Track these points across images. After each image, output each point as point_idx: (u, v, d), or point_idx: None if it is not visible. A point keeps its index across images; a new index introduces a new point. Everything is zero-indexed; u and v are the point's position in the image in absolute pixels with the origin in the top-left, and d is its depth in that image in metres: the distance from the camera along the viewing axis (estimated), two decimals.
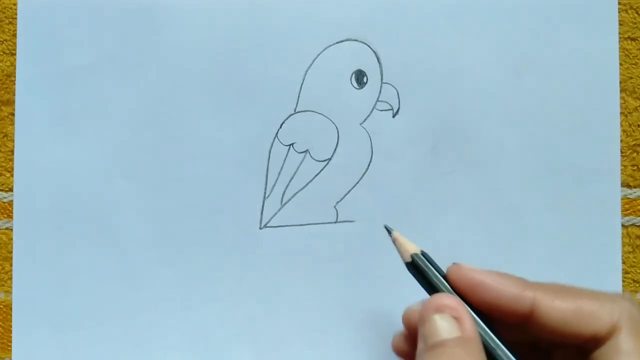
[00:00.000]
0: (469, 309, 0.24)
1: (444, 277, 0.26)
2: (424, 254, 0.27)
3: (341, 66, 0.33)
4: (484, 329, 0.24)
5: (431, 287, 0.26)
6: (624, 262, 0.33)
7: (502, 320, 0.25)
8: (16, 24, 0.33)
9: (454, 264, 0.25)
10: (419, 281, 0.26)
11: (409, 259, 0.26)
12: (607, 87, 0.33)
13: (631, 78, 0.33)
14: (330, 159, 0.33)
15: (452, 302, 0.24)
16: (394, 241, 0.27)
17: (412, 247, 0.27)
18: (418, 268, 0.26)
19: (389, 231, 0.28)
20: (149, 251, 0.33)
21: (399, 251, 0.27)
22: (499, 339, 0.24)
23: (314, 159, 0.33)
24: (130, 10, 0.33)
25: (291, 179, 0.33)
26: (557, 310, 0.24)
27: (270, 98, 0.33)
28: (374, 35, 0.33)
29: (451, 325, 0.23)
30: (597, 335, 0.23)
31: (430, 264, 0.26)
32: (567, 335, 0.24)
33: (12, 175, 0.33)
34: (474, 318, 0.24)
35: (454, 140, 0.33)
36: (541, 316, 0.24)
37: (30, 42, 0.33)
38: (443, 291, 0.25)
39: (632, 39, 0.33)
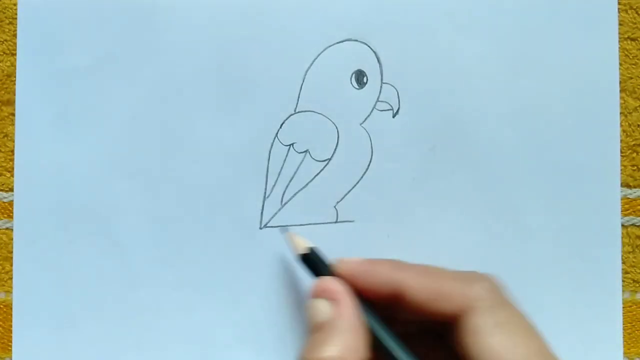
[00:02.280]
0: (349, 291, 0.26)
1: (330, 269, 0.28)
2: (314, 249, 0.29)
3: (341, 66, 0.33)
4: (367, 314, 0.26)
5: (318, 273, 0.28)
6: (624, 262, 0.33)
7: (383, 303, 0.26)
8: (16, 24, 0.33)
9: (339, 259, 0.28)
10: (311, 274, 0.28)
11: (302, 252, 0.29)
12: (607, 87, 0.33)
13: (631, 78, 0.33)
14: (330, 159, 0.33)
15: (329, 286, 0.26)
16: (288, 238, 0.30)
17: (305, 244, 0.29)
18: (309, 261, 0.28)
19: (283, 232, 0.31)
20: (149, 251, 0.33)
21: (292, 247, 0.29)
22: (378, 321, 0.26)
23: (314, 159, 0.33)
24: (130, 10, 0.33)
25: (291, 179, 0.33)
26: (421, 290, 0.25)
27: (270, 98, 0.33)
28: (374, 35, 0.33)
29: (327, 307, 0.25)
30: (454, 313, 0.25)
31: (320, 258, 0.29)
32: (432, 315, 0.25)
33: (12, 175, 0.33)
34: (355, 301, 0.26)
35: (453, 140, 0.33)
36: (408, 296, 0.26)
37: (31, 42, 0.33)
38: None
39: (632, 39, 0.33)
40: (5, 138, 0.33)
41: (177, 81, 0.33)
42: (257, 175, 0.33)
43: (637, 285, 0.33)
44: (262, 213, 0.33)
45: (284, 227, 0.32)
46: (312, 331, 0.25)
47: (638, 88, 0.33)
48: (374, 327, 0.26)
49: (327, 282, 0.26)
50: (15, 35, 0.33)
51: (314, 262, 0.28)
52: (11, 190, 0.33)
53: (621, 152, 0.33)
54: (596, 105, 0.33)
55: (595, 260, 0.33)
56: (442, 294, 0.25)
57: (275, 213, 0.33)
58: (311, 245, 0.29)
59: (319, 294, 0.26)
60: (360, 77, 0.33)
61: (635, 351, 0.33)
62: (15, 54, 0.33)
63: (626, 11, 0.33)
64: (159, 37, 0.33)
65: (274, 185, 0.33)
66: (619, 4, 0.33)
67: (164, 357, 0.32)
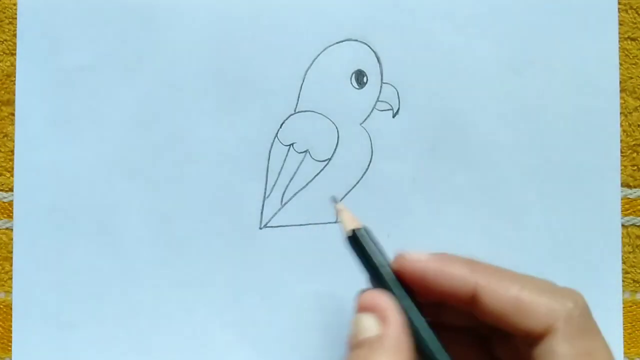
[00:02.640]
0: (405, 301, 0.23)
1: (385, 259, 0.24)
2: (367, 230, 0.25)
3: (341, 66, 0.33)
4: (418, 324, 0.23)
5: (371, 268, 0.24)
6: (624, 262, 0.33)
7: (447, 305, 0.24)
8: (16, 24, 0.33)
9: (399, 254, 0.24)
10: (359, 257, 0.25)
11: (351, 233, 0.25)
12: (607, 87, 0.33)
13: (631, 78, 0.33)
14: (330, 159, 0.33)
15: (378, 302, 0.23)
16: (338, 213, 0.26)
17: (357, 223, 0.25)
18: (359, 244, 0.25)
19: (334, 201, 0.27)
20: (148, 251, 0.33)
21: (342, 224, 0.26)
22: (431, 334, 0.23)
23: (314, 159, 0.33)
24: (130, 10, 0.33)
25: (291, 179, 0.33)
26: (498, 298, 0.23)
27: (270, 98, 0.33)
28: (374, 35, 0.33)
29: (374, 324, 0.23)
30: (532, 332, 0.22)
31: (373, 242, 0.25)
32: (506, 326, 0.23)
33: (12, 175, 0.33)
34: (407, 311, 0.23)
35: (454, 140, 0.33)
36: (483, 302, 0.23)
37: (30, 42, 0.33)
38: (382, 274, 0.24)
39: (632, 39, 0.33)
40: (5, 138, 0.33)
41: (177, 81, 0.33)
42: (257, 175, 0.33)
43: (637, 285, 0.33)
44: (262, 213, 0.33)
45: (334, 197, 0.28)
46: (354, 347, 0.23)
47: (638, 88, 0.33)
48: (420, 334, 0.23)
49: (376, 297, 0.23)
50: (15, 35, 0.33)
51: (365, 249, 0.25)
52: (11, 190, 0.33)
53: (621, 152, 0.33)
54: (596, 105, 0.33)
55: (595, 260, 0.33)
56: (525, 307, 0.22)
57: (275, 213, 0.33)
58: (364, 225, 0.25)
59: (366, 309, 0.23)
60: (360, 77, 0.33)
61: (635, 351, 0.33)
62: (15, 54, 0.33)
63: (626, 11, 0.33)
64: (159, 37, 0.33)
65: (274, 185, 0.33)
66: (619, 4, 0.33)
67: (164, 357, 0.32)
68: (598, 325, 0.23)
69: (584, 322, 0.23)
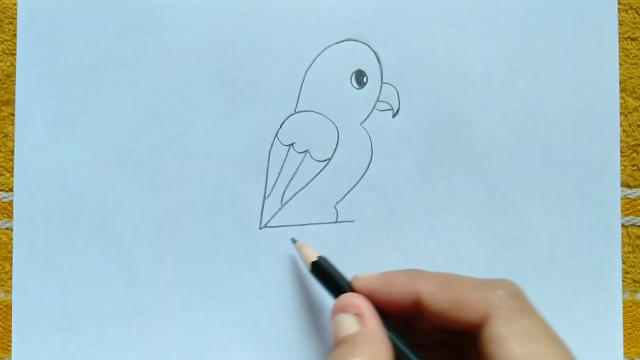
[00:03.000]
0: (371, 305, 0.26)
1: (346, 281, 0.28)
2: (325, 259, 0.29)
3: (341, 66, 0.33)
4: (387, 327, 0.26)
5: (335, 290, 0.28)
6: (624, 262, 0.33)
7: (401, 315, 0.27)
8: (16, 24, 0.33)
9: (353, 277, 0.28)
10: (323, 284, 0.29)
11: (314, 259, 0.29)
12: (607, 87, 0.33)
13: (631, 78, 0.33)
14: (330, 159, 0.33)
15: (354, 301, 0.26)
16: (298, 249, 0.30)
17: (315, 253, 0.30)
18: (323, 271, 0.29)
19: (294, 241, 0.31)
20: (148, 251, 0.33)
21: (302, 258, 0.30)
22: (398, 334, 0.26)
23: (314, 159, 0.33)
24: (130, 10, 0.33)
25: (291, 179, 0.33)
26: (439, 300, 0.25)
27: (270, 98, 0.33)
28: (374, 35, 0.33)
29: (353, 321, 0.25)
30: (474, 322, 0.25)
31: (332, 267, 0.29)
32: (451, 324, 0.25)
33: (12, 175, 0.33)
34: (377, 315, 0.26)
35: (453, 140, 0.33)
36: (427, 307, 0.26)
37: (30, 42, 0.33)
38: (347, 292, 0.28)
39: (632, 39, 0.33)
40: (5, 138, 0.33)
41: (177, 81, 0.33)
42: (257, 175, 0.33)
43: (637, 285, 0.33)
44: (262, 213, 0.33)
45: (293, 238, 0.32)
46: (337, 344, 0.25)
47: (638, 88, 0.33)
48: (393, 340, 0.26)
49: (350, 297, 0.27)
50: (15, 35, 0.33)
51: (326, 275, 0.29)
52: (11, 190, 0.33)
53: (621, 152, 0.33)
54: (596, 105, 0.33)
55: (595, 260, 0.33)
56: (461, 303, 0.25)
57: (275, 213, 0.33)
58: (321, 254, 0.30)
59: (343, 309, 0.26)
60: (360, 77, 0.33)
61: (635, 351, 0.33)
62: (15, 54, 0.33)
63: (626, 11, 0.33)
64: (159, 37, 0.33)
65: (274, 185, 0.33)
66: (619, 4, 0.33)
67: (164, 357, 0.32)
68: (534, 306, 0.26)
69: (518, 305, 0.25)
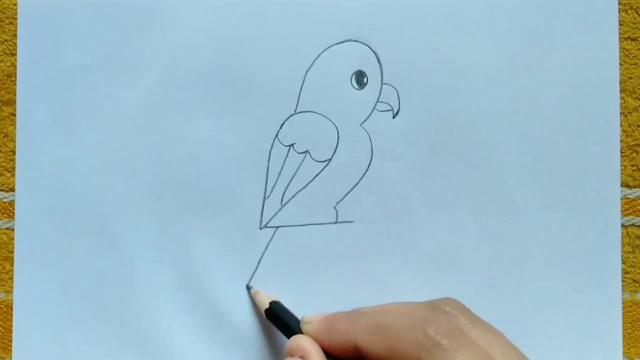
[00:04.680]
0: (317, 348, 0.28)
1: (298, 325, 0.29)
2: (279, 304, 0.31)
3: (341, 67, 0.33)
4: None
5: (289, 331, 0.30)
6: (624, 262, 0.33)
7: (350, 357, 0.27)
8: (16, 24, 0.33)
9: (303, 317, 0.29)
10: (278, 327, 0.30)
11: (266, 306, 0.31)
12: (607, 87, 0.33)
13: (631, 78, 0.33)
14: (330, 160, 0.33)
15: (300, 343, 0.28)
16: (253, 296, 0.32)
17: (268, 299, 0.31)
18: (276, 315, 0.30)
19: (248, 288, 0.32)
20: (149, 251, 0.33)
21: (257, 303, 0.32)
22: None
23: (314, 159, 0.33)
24: (130, 10, 0.33)
25: (291, 179, 0.33)
26: (375, 347, 0.26)
27: (271, 98, 0.33)
28: (374, 35, 0.33)
29: None
30: None
31: (285, 310, 0.31)
32: None
33: (13, 175, 0.33)
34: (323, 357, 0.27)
35: (453, 140, 0.33)
36: (365, 353, 0.26)
37: (31, 42, 0.33)
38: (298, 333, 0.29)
39: (632, 39, 0.33)
40: (6, 138, 0.33)
41: (177, 81, 0.33)
42: (257, 176, 0.33)
43: (637, 285, 0.33)
44: (262, 213, 0.33)
45: (248, 285, 0.32)
46: None
47: (638, 88, 0.33)
48: None
49: (297, 340, 0.28)
50: (15, 35, 0.33)
51: (278, 319, 0.30)
52: (12, 190, 0.33)
53: (621, 152, 0.33)
54: (596, 105, 0.33)
55: (595, 260, 0.33)
56: (395, 349, 0.25)
57: (275, 213, 0.33)
58: (275, 299, 0.31)
59: (290, 353, 0.28)
60: (360, 78, 0.33)
61: (635, 351, 0.33)
62: (15, 54, 0.33)
63: (626, 11, 0.33)
64: (159, 37, 0.33)
65: (274, 186, 0.33)
66: (619, 4, 0.33)
67: (164, 357, 0.32)
68: (475, 329, 0.26)
69: (459, 337, 0.25)
